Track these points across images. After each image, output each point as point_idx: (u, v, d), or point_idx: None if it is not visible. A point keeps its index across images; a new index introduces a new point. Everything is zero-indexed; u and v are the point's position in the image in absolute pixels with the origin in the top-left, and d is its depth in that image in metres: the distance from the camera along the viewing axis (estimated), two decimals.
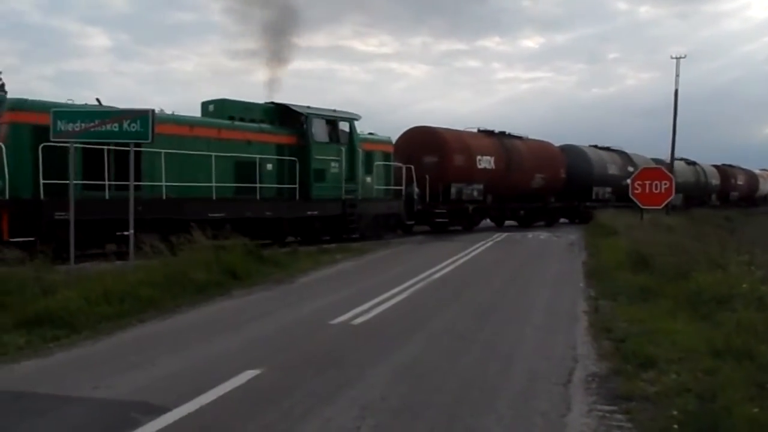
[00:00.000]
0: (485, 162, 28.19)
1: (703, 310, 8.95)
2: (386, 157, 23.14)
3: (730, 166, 57.96)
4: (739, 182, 58.30)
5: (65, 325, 8.47)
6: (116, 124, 11.37)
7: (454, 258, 17.51)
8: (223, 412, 5.44)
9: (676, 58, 45.81)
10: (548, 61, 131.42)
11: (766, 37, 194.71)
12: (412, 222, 24.42)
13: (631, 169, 36.98)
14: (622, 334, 8.19)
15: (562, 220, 35.59)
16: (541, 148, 33.04)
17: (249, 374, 6.43)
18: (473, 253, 19.17)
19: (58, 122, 11.43)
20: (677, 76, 45.10)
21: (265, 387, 6.13)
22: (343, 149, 20.61)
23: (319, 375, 6.54)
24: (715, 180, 52.54)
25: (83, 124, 11.42)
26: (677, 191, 25.84)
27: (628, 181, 23.63)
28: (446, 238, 24.49)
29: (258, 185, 18.03)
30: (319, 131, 20.00)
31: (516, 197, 31.07)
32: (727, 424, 4.84)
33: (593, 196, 34.92)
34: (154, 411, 5.35)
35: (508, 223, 32.72)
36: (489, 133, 30.16)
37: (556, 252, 20.31)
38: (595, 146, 37.54)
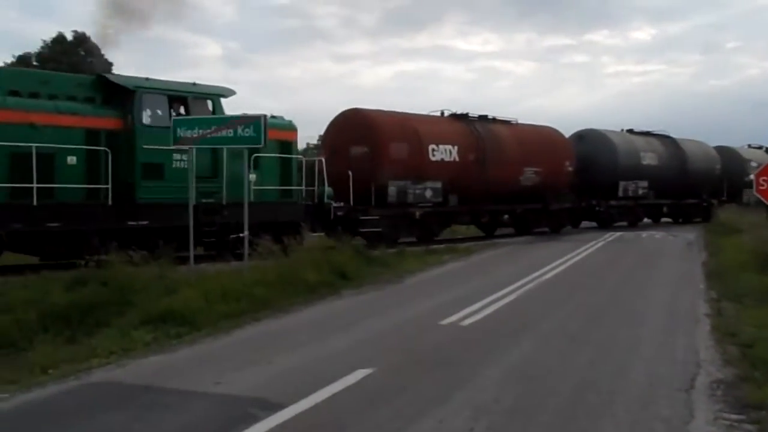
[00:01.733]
0: (443, 153, 21.47)
1: None
2: (284, 147, 16.80)
3: None
4: None
5: (187, 323, 8.92)
6: (231, 130, 12.12)
7: (565, 258, 17.11)
8: (337, 409, 5.54)
9: None
10: (661, 53, 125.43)
11: None
12: (321, 233, 17.51)
13: (679, 157, 31.91)
14: (749, 338, 7.75)
15: (584, 224, 29.26)
16: (536, 134, 25.71)
17: (361, 373, 6.52)
18: (583, 254, 18.67)
19: (178, 129, 12.36)
20: None
21: (376, 386, 6.20)
22: None
23: (430, 375, 6.55)
24: None
25: (201, 131, 12.24)
26: None
27: (752, 176, 22.30)
28: (558, 239, 23.96)
29: (35, 185, 12.37)
30: (153, 112, 14.46)
31: (497, 198, 23.45)
32: None
33: (620, 193, 28.92)
34: (271, 407, 5.51)
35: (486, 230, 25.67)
36: (457, 117, 23.38)
37: (672, 252, 19.49)
38: (630, 131, 31.44)
